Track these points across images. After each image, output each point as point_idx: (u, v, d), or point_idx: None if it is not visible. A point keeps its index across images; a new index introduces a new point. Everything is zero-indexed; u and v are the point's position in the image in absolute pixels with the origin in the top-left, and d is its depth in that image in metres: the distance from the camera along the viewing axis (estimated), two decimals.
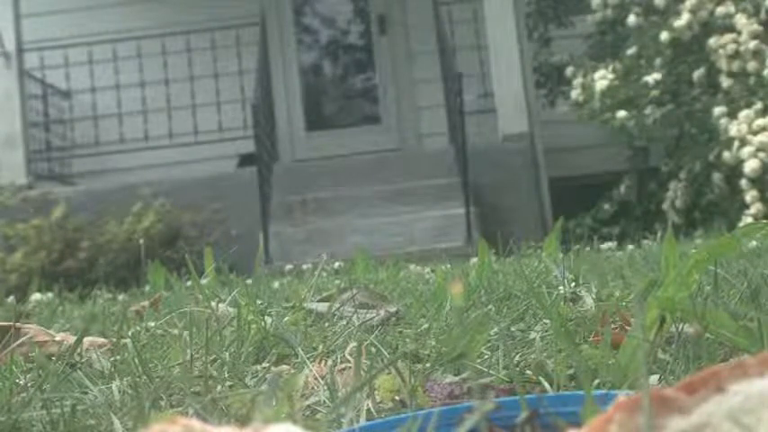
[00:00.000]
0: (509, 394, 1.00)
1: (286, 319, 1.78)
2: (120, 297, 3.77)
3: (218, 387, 1.18)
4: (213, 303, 1.76)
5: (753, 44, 6.91)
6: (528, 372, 1.13)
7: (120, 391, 1.18)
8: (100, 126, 8.74)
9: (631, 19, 7.71)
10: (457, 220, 7.00)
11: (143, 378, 1.24)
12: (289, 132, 9.31)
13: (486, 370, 1.15)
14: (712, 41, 7.04)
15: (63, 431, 1.00)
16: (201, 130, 8.40)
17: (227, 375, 1.27)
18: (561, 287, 1.87)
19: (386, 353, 1.30)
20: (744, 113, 6.70)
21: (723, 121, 6.81)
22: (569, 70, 8.18)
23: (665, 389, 0.53)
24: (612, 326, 1.27)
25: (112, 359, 1.45)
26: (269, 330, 1.51)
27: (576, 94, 7.91)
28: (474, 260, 3.46)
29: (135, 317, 2.39)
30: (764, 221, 5.16)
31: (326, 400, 1.05)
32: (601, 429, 0.52)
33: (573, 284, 2.00)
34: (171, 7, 9.22)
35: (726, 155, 6.75)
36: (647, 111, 7.37)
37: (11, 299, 4.20)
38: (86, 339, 1.59)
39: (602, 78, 7.60)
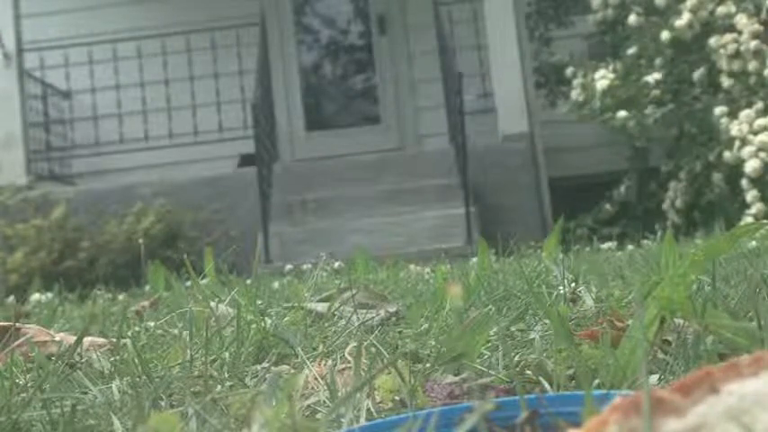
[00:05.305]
0: (509, 394, 1.00)
1: (286, 319, 1.78)
2: (120, 297, 3.77)
3: (218, 387, 1.18)
4: (213, 303, 1.76)
5: (753, 44, 6.90)
6: (528, 372, 1.13)
7: (120, 391, 1.18)
8: (100, 126, 8.74)
9: (632, 19, 7.70)
10: (457, 220, 7.00)
11: (143, 378, 1.24)
12: (289, 132, 9.31)
13: (486, 370, 1.15)
14: (713, 41, 7.04)
15: (63, 431, 1.00)
16: (201, 130, 8.41)
17: (227, 375, 1.27)
18: (561, 287, 1.87)
19: (386, 353, 1.30)
20: (744, 113, 6.69)
21: (724, 120, 6.81)
22: (569, 70, 8.18)
23: (659, 390, 0.53)
24: (602, 325, 1.27)
25: (112, 359, 1.45)
26: (269, 330, 1.51)
27: (576, 94, 7.90)
28: (474, 260, 3.46)
29: (135, 317, 2.39)
30: (763, 221, 5.15)
31: (326, 400, 1.05)
32: (597, 431, 0.52)
33: (573, 284, 2.00)
34: (171, 7, 9.22)
35: (726, 155, 6.75)
36: (648, 111, 7.36)
37: (11, 299, 4.20)
38: (86, 339, 1.59)
39: (603, 78, 7.60)
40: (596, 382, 1.03)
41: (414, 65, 9.28)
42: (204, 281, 2.95)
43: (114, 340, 1.57)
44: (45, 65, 8.71)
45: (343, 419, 0.88)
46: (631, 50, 7.71)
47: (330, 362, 1.27)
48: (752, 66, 6.92)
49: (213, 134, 8.43)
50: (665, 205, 7.65)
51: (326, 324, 1.71)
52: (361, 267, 3.47)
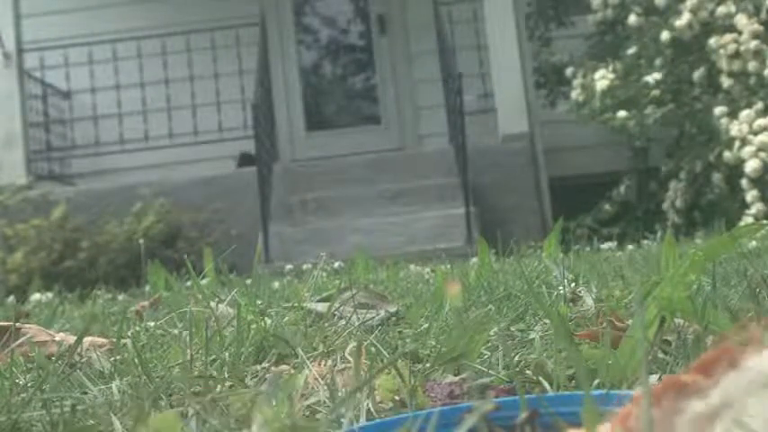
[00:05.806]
0: (509, 394, 1.00)
1: (286, 319, 1.78)
2: (120, 297, 3.78)
3: (218, 387, 1.18)
4: (213, 303, 1.76)
5: (753, 44, 6.90)
6: (528, 372, 1.13)
7: (120, 391, 1.18)
8: (100, 126, 8.74)
9: (631, 19, 7.71)
10: (457, 220, 7.00)
11: (143, 378, 1.24)
12: (289, 132, 9.31)
13: (486, 370, 1.15)
14: (713, 41, 7.04)
15: (63, 431, 1.00)
16: (201, 130, 8.41)
17: (227, 375, 1.27)
18: (561, 287, 1.87)
19: (386, 353, 1.30)
20: (744, 113, 6.69)
21: (724, 120, 6.81)
22: (569, 70, 8.18)
23: (681, 375, 0.53)
24: (602, 325, 1.27)
25: (112, 359, 1.45)
26: (269, 330, 1.51)
27: (576, 94, 7.90)
28: (474, 260, 3.46)
29: (135, 317, 2.39)
30: (763, 221, 5.15)
31: (326, 400, 1.05)
32: (623, 422, 0.52)
33: (573, 284, 2.00)
34: (171, 7, 9.22)
35: (726, 155, 6.75)
36: (648, 111, 7.36)
37: (11, 299, 4.21)
38: (86, 339, 1.59)
39: (603, 78, 7.60)
40: (596, 382, 1.03)
41: (414, 65, 9.28)
42: (204, 281, 2.95)
43: (114, 340, 1.57)
44: (45, 65, 8.71)
45: (343, 419, 0.88)
46: (631, 50, 7.71)
47: (330, 362, 1.27)
48: (752, 66, 6.92)
49: (213, 134, 8.43)
50: (665, 205, 7.65)
51: (326, 324, 1.71)
52: (361, 267, 3.47)
